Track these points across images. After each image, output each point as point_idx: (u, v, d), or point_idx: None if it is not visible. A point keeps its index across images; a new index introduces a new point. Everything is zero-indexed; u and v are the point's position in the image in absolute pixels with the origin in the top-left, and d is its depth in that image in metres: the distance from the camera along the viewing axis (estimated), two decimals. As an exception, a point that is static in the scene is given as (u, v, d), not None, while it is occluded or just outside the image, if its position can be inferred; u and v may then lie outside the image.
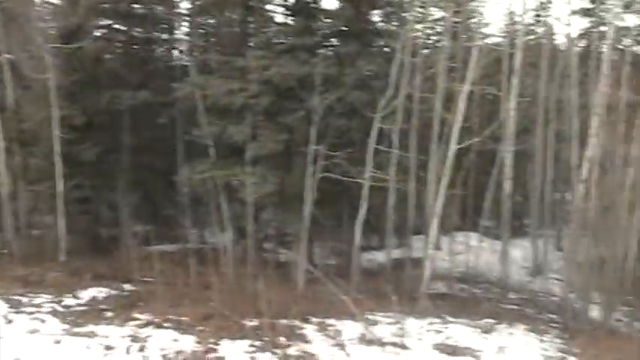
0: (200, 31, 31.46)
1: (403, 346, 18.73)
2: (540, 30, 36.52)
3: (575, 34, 33.79)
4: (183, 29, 32.28)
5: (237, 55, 25.64)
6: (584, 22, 35.60)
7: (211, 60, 26.79)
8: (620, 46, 31.75)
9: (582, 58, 32.25)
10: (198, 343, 17.64)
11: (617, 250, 23.04)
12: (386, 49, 28.41)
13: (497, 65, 30.36)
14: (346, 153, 24.30)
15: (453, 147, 23.85)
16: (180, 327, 18.64)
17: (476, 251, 30.83)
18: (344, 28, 26.58)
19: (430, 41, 33.63)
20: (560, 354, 19.66)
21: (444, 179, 23.97)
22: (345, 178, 24.17)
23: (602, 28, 31.89)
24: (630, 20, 32.04)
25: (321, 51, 26.30)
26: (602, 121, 23.97)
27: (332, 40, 27.13)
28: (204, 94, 25.46)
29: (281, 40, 25.72)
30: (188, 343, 17.60)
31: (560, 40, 36.89)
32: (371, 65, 25.74)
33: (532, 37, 36.41)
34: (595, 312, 24.11)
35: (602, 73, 24.14)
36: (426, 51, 30.62)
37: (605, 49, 24.92)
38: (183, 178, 26.38)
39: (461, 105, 23.91)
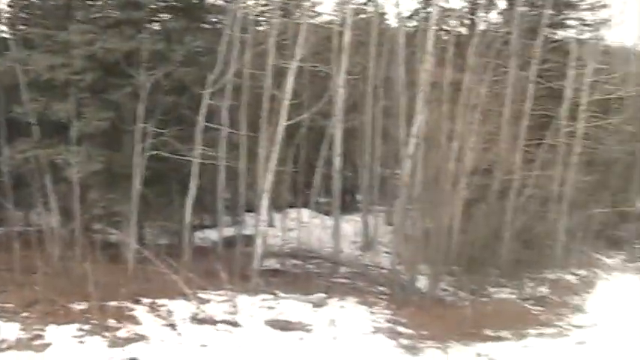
0: (22, 2, 30.03)
1: (235, 324, 18.81)
2: (370, 9, 37.11)
3: (404, 14, 34.58)
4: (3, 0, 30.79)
5: (61, 28, 24.65)
6: (413, 3, 36.47)
7: (34, 33, 25.66)
8: (445, 27, 32.79)
9: (410, 38, 33.04)
10: (23, 330, 16.97)
11: (442, 223, 23.88)
12: (216, 25, 28.14)
13: (328, 42, 30.67)
14: (175, 130, 23.95)
15: (283, 123, 23.97)
16: (3, 314, 17.83)
17: (308, 227, 31.26)
18: (172, 3, 26.14)
19: (261, 18, 33.52)
20: (388, 324, 20.32)
21: (273, 156, 24.08)
22: (174, 156, 23.78)
23: (430, 9, 32.71)
24: (454, 2, 33.09)
25: (149, 26, 25.69)
26: (427, 98, 24.76)
27: (160, 14, 26.55)
28: (26, 69, 24.42)
29: (106, 14, 24.94)
30: (12, 330, 16.86)
31: (389, 19, 37.72)
32: (200, 41, 25.38)
33: (362, 15, 36.96)
34: (422, 283, 24.98)
35: (428, 52, 24.90)
36: (256, 27, 30.51)
37: (430, 29, 25.58)
38: (4, 157, 25.20)
39: (290, 81, 24.04)
